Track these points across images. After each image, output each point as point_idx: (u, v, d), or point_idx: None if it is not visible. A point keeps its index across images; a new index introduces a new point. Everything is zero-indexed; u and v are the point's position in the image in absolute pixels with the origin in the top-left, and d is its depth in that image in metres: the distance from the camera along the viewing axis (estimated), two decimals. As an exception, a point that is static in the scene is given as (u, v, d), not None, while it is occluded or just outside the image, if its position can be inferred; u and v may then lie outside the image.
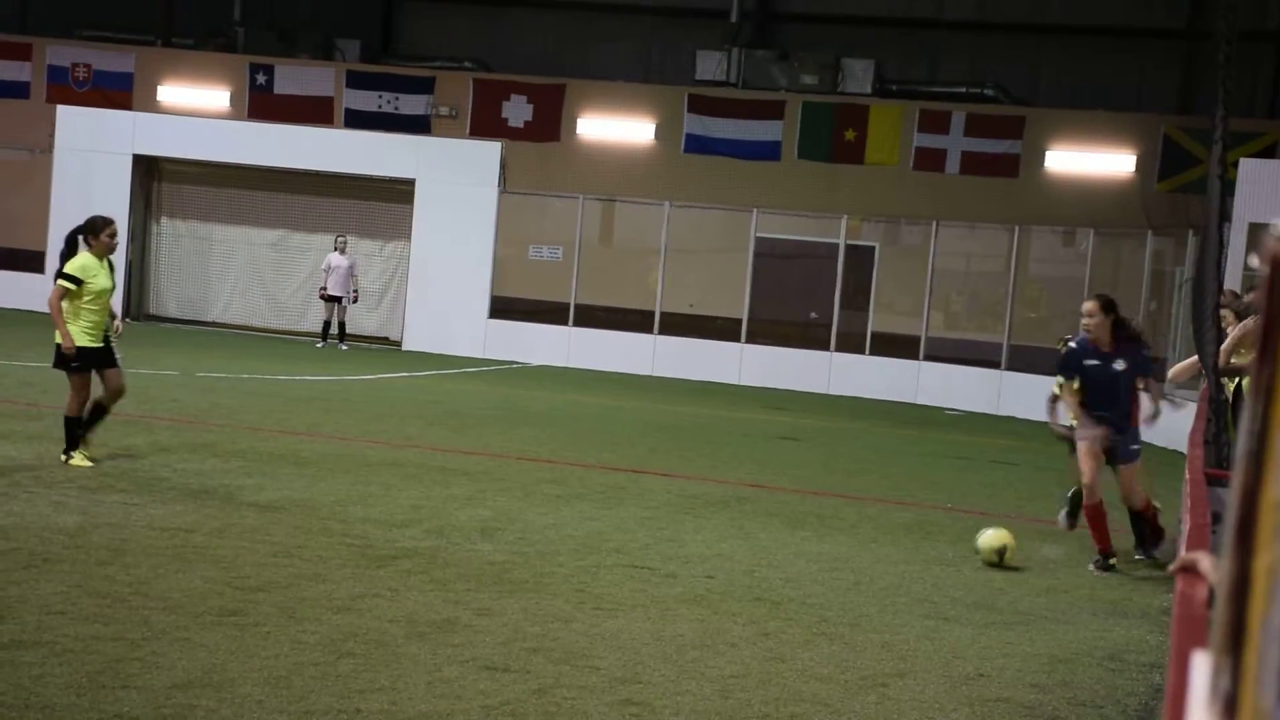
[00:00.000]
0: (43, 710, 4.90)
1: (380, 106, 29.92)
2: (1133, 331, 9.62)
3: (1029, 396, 22.90)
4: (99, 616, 6.17)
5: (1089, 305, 9.43)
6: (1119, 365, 9.33)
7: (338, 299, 24.42)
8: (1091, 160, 26.45)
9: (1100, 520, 9.36)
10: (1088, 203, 25.53)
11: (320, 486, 10.14)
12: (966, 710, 5.91)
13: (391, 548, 8.20)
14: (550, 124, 29.04)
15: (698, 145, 28.49)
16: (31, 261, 27.78)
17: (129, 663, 5.54)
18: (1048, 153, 26.74)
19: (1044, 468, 15.89)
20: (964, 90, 28.49)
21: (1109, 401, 9.36)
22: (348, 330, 24.80)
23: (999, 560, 9.16)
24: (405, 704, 5.34)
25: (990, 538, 9.27)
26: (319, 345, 24.43)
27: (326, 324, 24.73)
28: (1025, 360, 24.13)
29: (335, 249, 24.67)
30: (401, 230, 26.11)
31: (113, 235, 10.40)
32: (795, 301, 29.62)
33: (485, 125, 28.89)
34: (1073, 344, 9.65)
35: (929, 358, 24.16)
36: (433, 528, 8.96)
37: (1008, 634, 7.40)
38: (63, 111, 27.51)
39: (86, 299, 10.16)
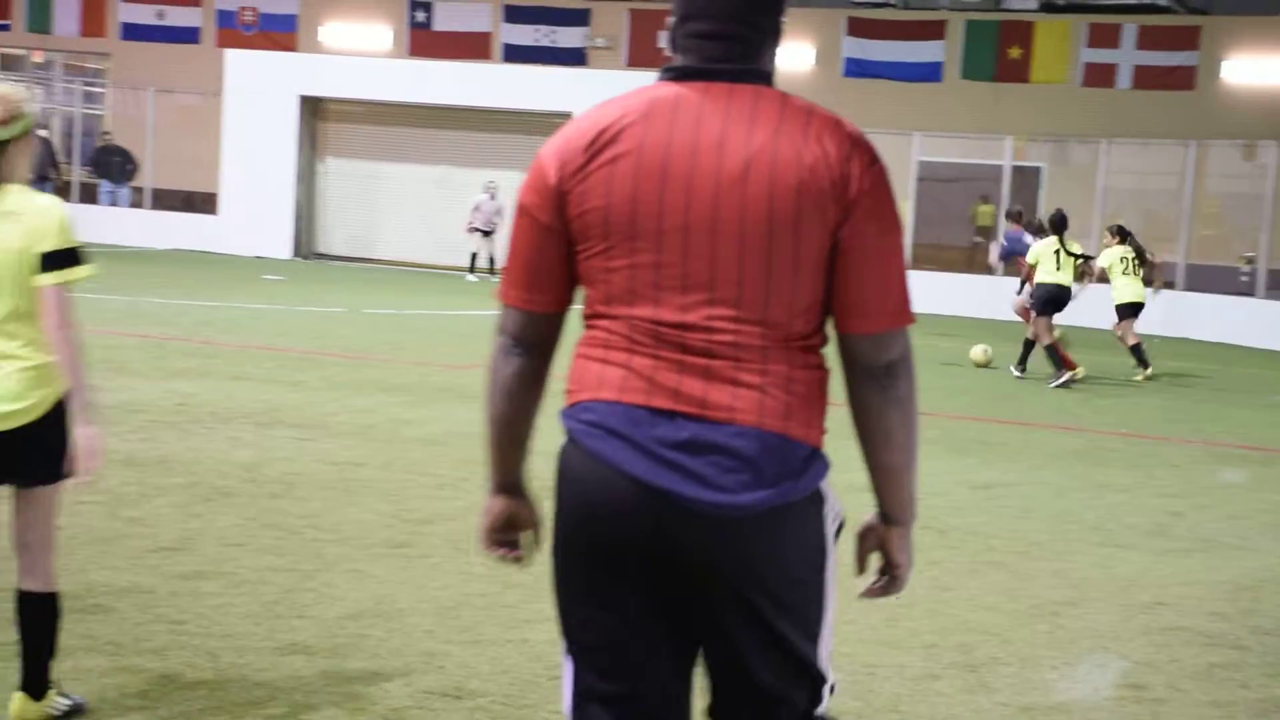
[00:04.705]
0: (223, 639, 5.04)
1: (537, 40, 30.01)
2: None
3: (1206, 317, 22.19)
4: (273, 548, 6.32)
5: None
6: None
7: (489, 233, 24.81)
8: (1274, 68, 25.36)
9: None
10: (1270, 114, 24.52)
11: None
12: (1143, 639, 5.75)
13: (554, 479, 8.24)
14: (707, 52, 28.79)
15: (857, 69, 28.00)
16: (206, 203, 28.49)
17: (302, 593, 5.67)
18: (1225, 63, 25.72)
19: (1221, 389, 15.40)
20: (1135, 1, 27.50)
21: None
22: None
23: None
24: (571, 633, 5.35)
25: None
26: (470, 279, 24.76)
27: (474, 255, 25.13)
28: (1204, 279, 23.36)
29: (485, 193, 24.97)
30: (561, 164, 26.08)
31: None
32: (959, 226, 29.05)
33: (642, 56, 28.77)
34: None
35: (1100, 279, 23.38)
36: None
37: (1187, 561, 7.18)
38: (230, 55, 28.07)
39: None
